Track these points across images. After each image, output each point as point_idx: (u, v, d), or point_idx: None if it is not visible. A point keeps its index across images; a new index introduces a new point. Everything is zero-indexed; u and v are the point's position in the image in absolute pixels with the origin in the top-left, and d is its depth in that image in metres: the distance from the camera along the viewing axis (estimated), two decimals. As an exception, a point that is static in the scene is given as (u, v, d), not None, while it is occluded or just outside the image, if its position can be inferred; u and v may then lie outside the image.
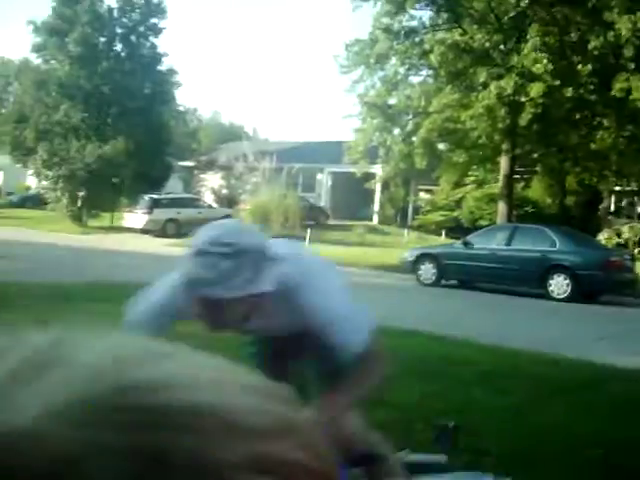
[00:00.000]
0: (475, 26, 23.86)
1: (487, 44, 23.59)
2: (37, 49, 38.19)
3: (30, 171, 37.89)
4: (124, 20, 39.18)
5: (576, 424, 4.86)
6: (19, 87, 38.94)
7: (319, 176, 38.45)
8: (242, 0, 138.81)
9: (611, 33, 21.11)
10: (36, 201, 38.36)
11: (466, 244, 17.79)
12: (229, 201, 34.55)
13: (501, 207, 24.90)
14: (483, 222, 26.76)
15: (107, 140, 33.30)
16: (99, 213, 32.90)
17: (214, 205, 33.92)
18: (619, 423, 4.99)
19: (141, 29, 39.31)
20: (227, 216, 30.32)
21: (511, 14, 23.24)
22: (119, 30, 39.07)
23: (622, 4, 21.07)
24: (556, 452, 4.28)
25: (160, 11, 39.57)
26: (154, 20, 39.57)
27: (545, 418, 4.99)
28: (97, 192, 31.32)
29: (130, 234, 28.55)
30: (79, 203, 31.93)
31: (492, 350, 7.82)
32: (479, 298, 15.24)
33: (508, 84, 21.50)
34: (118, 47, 39.22)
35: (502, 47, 23.57)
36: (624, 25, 20.59)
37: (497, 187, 26.45)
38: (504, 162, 24.96)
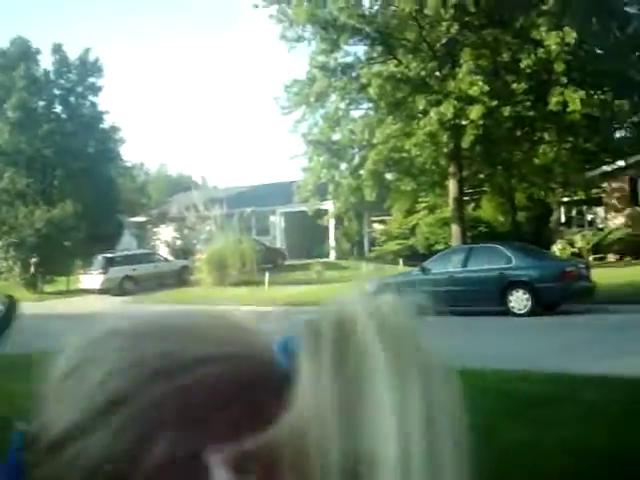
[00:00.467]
0: (409, 56, 24.25)
1: (423, 72, 23.97)
2: (-26, 118, 37.89)
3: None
4: (61, 82, 39.16)
5: (546, 436, 4.86)
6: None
7: (272, 218, 38.45)
8: (179, 50, 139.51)
9: (541, 50, 21.60)
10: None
11: (424, 270, 17.88)
12: (184, 252, 34.34)
13: (454, 230, 25.10)
14: (439, 246, 26.93)
15: (55, 203, 33.01)
16: (54, 278, 32.39)
17: (170, 258, 33.67)
18: (589, 430, 5.00)
19: (79, 89, 39.31)
20: (184, 267, 30.23)
21: (443, 41, 23.69)
22: (57, 92, 39.01)
23: (549, 22, 21.64)
24: (530, 465, 4.26)
25: (97, 70, 39.66)
26: (92, 79, 39.59)
27: (515, 433, 4.98)
28: (50, 257, 30.88)
29: (88, 296, 28.15)
30: (32, 270, 31.43)
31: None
32: (439, 322, 15.21)
33: (447, 109, 21.79)
34: (58, 109, 39.11)
35: (438, 74, 23.94)
36: (553, 41, 21.11)
37: (448, 211, 26.68)
38: (452, 185, 25.21)
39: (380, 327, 0.40)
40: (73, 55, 39.39)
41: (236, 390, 0.41)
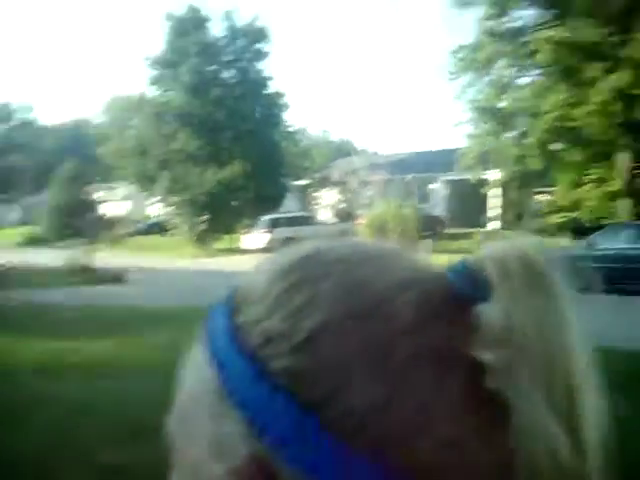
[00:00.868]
0: (582, 20, 23.34)
1: (596, 38, 23.04)
2: (154, 82, 39.84)
3: (150, 200, 39.41)
4: (231, 48, 40.36)
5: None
6: (139, 121, 40.63)
7: (431, 185, 38.30)
8: (343, 16, 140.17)
9: None
10: (159, 228, 39.89)
11: (589, 245, 17.39)
12: (348, 216, 34.91)
13: (624, 204, 24.17)
14: (607, 221, 26.00)
15: (224, 165, 34.27)
16: (221, 236, 33.81)
17: (333, 220, 34.33)
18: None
19: (248, 55, 40.38)
20: (343, 231, 30.78)
21: (618, 4, 22.61)
22: (227, 58, 40.26)
23: None
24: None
25: (264, 36, 40.57)
26: (259, 45, 40.59)
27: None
28: (218, 216, 32.27)
29: (253, 255, 29.19)
30: (202, 227, 32.93)
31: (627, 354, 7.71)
32: (607, 301, 14.64)
33: (622, 77, 20.90)
34: (227, 74, 40.40)
35: (612, 39, 22.93)
36: None
37: (618, 184, 25.66)
38: (624, 158, 24.22)
39: (552, 264, 0.46)
40: (241, 22, 40.55)
41: (438, 308, 0.46)
